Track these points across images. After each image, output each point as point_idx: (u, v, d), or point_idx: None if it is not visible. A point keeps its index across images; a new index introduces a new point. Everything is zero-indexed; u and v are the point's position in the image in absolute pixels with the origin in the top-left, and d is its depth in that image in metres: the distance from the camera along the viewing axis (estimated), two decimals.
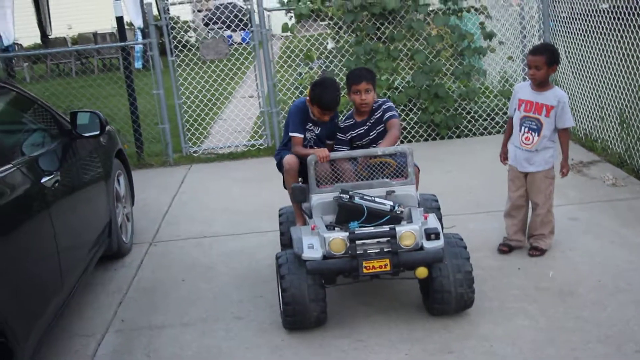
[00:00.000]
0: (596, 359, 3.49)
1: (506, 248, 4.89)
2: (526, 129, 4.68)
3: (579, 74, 7.52)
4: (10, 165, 3.54)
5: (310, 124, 4.50)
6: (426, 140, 8.29)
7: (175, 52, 8.40)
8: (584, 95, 7.45)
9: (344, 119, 4.71)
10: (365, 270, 3.78)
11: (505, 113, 8.16)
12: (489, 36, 8.14)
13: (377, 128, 4.50)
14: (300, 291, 3.85)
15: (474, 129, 8.24)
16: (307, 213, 4.24)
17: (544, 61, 4.54)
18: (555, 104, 4.59)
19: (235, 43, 15.07)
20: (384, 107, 4.53)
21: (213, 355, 3.87)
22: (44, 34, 19.89)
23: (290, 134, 4.46)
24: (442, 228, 4.11)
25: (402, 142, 8.03)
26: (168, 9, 8.38)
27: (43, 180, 3.76)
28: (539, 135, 4.64)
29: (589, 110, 7.36)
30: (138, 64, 16.52)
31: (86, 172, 4.68)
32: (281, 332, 4.02)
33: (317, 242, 3.85)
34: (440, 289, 3.91)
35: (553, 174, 4.76)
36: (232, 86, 10.27)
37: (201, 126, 8.78)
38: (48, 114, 4.59)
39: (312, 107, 4.42)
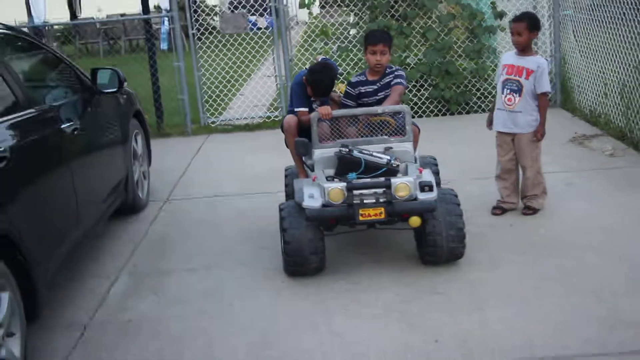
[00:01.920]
0: (577, 307, 3.71)
1: (499, 211, 5.12)
2: (508, 91, 4.93)
3: (586, 53, 7.69)
4: (34, 110, 3.85)
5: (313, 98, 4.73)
6: (436, 115, 8.51)
7: (195, 25, 8.70)
8: (590, 73, 7.62)
9: (356, 74, 4.94)
10: (361, 218, 4.04)
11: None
12: (500, 15, 8.33)
13: (385, 91, 4.69)
14: (301, 244, 4.10)
15: (483, 106, 8.43)
16: (310, 167, 4.49)
17: (525, 27, 4.82)
18: (535, 69, 4.84)
19: (261, 28, 15.29)
20: (395, 73, 4.74)
21: (216, 294, 4.16)
22: (73, 15, 20.30)
23: (296, 110, 4.68)
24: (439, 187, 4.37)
25: (413, 117, 8.29)
26: None
27: (63, 126, 4.06)
28: (519, 96, 4.88)
29: (594, 88, 7.53)
30: (164, 45, 16.83)
31: (104, 126, 4.98)
32: (282, 277, 4.29)
33: (318, 192, 4.11)
34: (432, 244, 4.15)
35: (535, 139, 4.98)
36: (251, 67, 10.54)
37: (219, 98, 9.06)
38: (71, 70, 4.90)
39: (307, 86, 4.64)
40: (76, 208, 4.09)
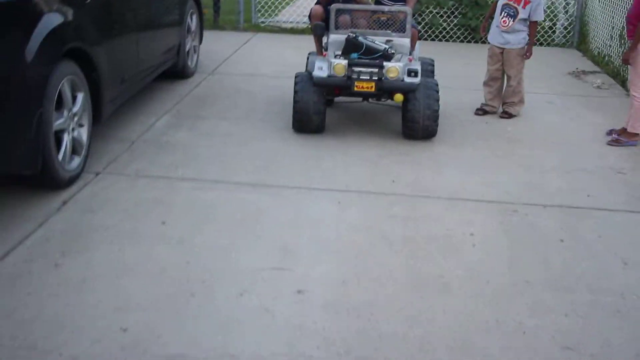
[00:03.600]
0: (512, 175, 4.75)
1: (481, 112, 6.12)
2: (505, 14, 5.85)
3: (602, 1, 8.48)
4: None
5: None
6: (462, 42, 9.41)
7: None
8: (603, 18, 8.41)
9: None
10: (356, 88, 5.11)
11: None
12: None
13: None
14: (307, 104, 5.20)
15: None
16: (325, 48, 5.55)
17: None
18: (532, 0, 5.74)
19: None
20: None
21: (237, 135, 5.29)
22: None
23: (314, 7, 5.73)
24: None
25: (441, 40, 9.24)
26: None
27: None
28: (514, 20, 5.80)
29: (604, 31, 8.34)
30: None
31: None
32: (290, 131, 5.40)
33: (326, 65, 5.18)
34: (411, 120, 5.20)
35: (523, 53, 5.92)
36: None
37: (271, 1, 10.10)
38: None
39: None
40: (137, 52, 5.24)
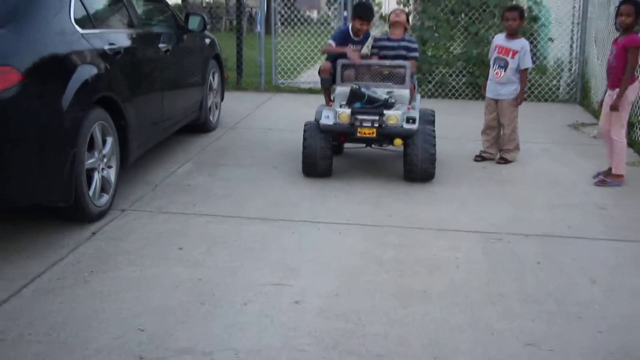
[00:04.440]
0: (502, 212, 5.17)
1: (479, 158, 6.58)
2: (497, 66, 6.38)
3: (602, 57, 8.97)
4: (142, 31, 5.61)
5: (350, 44, 6.29)
6: (470, 99, 9.96)
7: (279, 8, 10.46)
8: (602, 76, 8.88)
9: (380, 35, 6.52)
10: (359, 134, 5.62)
11: (539, 85, 9.79)
12: (534, 19, 9.71)
13: (401, 53, 6.26)
14: (314, 149, 5.72)
15: None
16: (332, 99, 6.09)
17: (517, 16, 6.25)
18: (519, 49, 6.27)
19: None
20: (411, 46, 6.30)
21: (251, 179, 5.81)
22: None
23: (329, 42, 6.31)
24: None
25: (450, 98, 9.78)
26: None
27: (159, 45, 5.82)
28: (505, 71, 6.32)
29: (603, 87, 8.80)
30: (258, 28, 18.85)
31: (188, 55, 6.72)
32: (300, 175, 5.90)
33: (332, 114, 5.72)
34: (410, 162, 5.68)
35: (516, 103, 6.41)
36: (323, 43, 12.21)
37: (290, 64, 10.78)
38: (172, 14, 6.67)
39: (353, 21, 6.19)
40: (162, 105, 5.83)
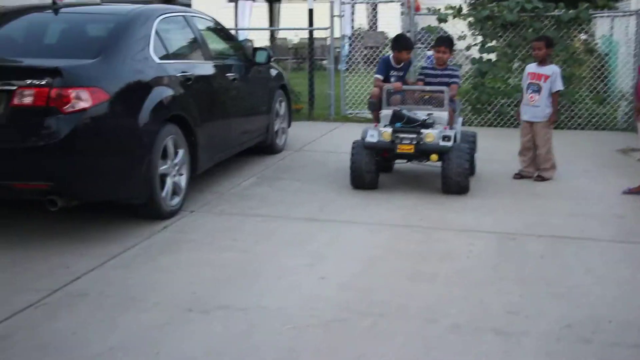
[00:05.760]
0: (524, 218, 5.73)
1: (518, 176, 7.14)
2: (531, 91, 6.97)
3: None
4: (211, 62, 6.55)
5: (393, 71, 7.05)
6: None
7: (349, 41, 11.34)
8: None
9: (427, 64, 7.24)
10: (398, 150, 6.33)
11: (597, 114, 10.26)
12: (590, 51, 10.20)
13: (444, 80, 6.96)
14: (360, 164, 6.46)
15: (569, 123, 10.30)
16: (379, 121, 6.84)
17: (543, 45, 6.86)
18: (551, 74, 6.85)
19: None
20: (453, 74, 7.01)
21: (307, 190, 6.58)
22: (272, 37, 23.87)
23: (375, 76, 7.10)
24: (475, 151, 6.71)
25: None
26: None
27: (228, 74, 6.74)
28: (539, 94, 6.91)
29: None
30: (341, 66, 19.88)
31: (255, 85, 7.60)
32: (349, 188, 6.63)
33: (376, 133, 6.46)
34: (445, 176, 6.33)
35: (549, 124, 6.98)
36: None
37: (357, 96, 11.63)
38: (240, 47, 7.61)
39: (394, 53, 6.99)
40: (229, 125, 6.73)
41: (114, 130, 4.96)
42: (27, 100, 4.64)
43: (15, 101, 4.64)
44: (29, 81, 4.64)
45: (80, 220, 5.42)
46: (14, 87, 4.64)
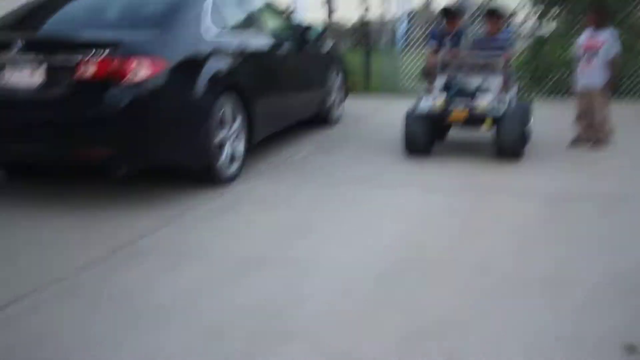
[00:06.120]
0: (578, 181, 5.76)
1: (575, 143, 7.09)
2: (586, 57, 6.90)
3: None
4: (267, 36, 6.73)
5: (446, 38, 7.10)
6: None
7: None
8: None
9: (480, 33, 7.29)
10: (452, 117, 6.39)
11: None
12: None
13: (497, 46, 6.96)
14: (414, 127, 6.54)
15: (630, 93, 10.15)
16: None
17: (598, 10, 6.79)
18: (607, 39, 6.78)
19: None
20: (505, 41, 7.00)
21: (358, 158, 6.72)
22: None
23: (429, 42, 7.17)
24: (529, 118, 6.69)
25: None
26: None
27: (283, 48, 6.92)
28: (595, 60, 6.84)
29: None
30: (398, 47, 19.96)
31: (310, 59, 7.75)
32: (403, 155, 6.71)
33: (430, 100, 6.52)
34: (499, 142, 6.35)
35: (606, 92, 6.91)
36: None
37: (412, 72, 11.69)
38: (295, 24, 7.77)
39: (444, 22, 7.05)
40: (283, 97, 6.89)
41: (173, 98, 5.16)
42: (90, 71, 4.87)
43: (79, 73, 4.88)
44: (91, 53, 4.87)
45: (144, 186, 5.67)
46: (78, 60, 4.88)
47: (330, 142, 7.53)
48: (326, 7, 23.10)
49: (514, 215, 4.84)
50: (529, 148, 6.68)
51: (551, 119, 8.25)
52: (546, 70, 10.51)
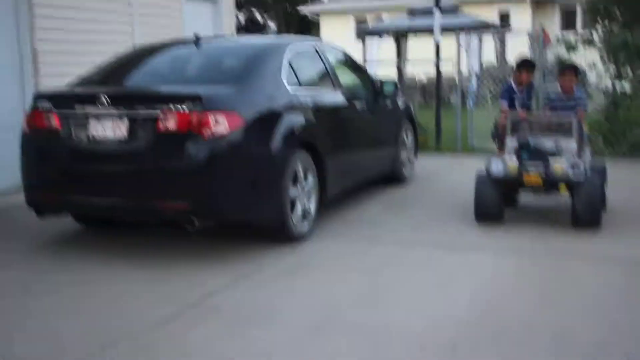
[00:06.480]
0: None
1: None
2: None
3: None
4: (341, 92, 6.81)
5: (515, 94, 7.03)
6: None
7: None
8: None
9: (555, 92, 7.19)
10: (525, 182, 6.25)
11: None
12: None
13: (571, 105, 6.85)
14: (484, 194, 6.41)
15: None
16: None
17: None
18: None
19: None
20: (580, 99, 6.90)
21: (433, 219, 6.65)
22: (400, 75, 23.95)
23: (501, 102, 7.09)
24: (605, 182, 6.53)
25: None
26: None
27: (356, 105, 6.99)
28: None
29: None
30: (470, 102, 19.86)
31: (383, 116, 7.80)
32: (472, 219, 6.60)
33: (501, 163, 6.42)
34: (576, 210, 6.11)
35: None
36: None
37: (485, 128, 11.57)
38: (369, 79, 7.83)
39: (516, 74, 7.01)
40: (357, 155, 6.94)
41: (249, 154, 5.27)
42: (171, 124, 5.04)
43: (160, 126, 5.04)
44: (172, 107, 5.03)
45: (216, 242, 5.74)
46: (158, 114, 5.04)
47: (401, 201, 7.51)
48: (398, 63, 23.36)
49: (592, 283, 4.70)
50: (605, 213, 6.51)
51: (626, 180, 8.07)
52: (621, 131, 10.28)
